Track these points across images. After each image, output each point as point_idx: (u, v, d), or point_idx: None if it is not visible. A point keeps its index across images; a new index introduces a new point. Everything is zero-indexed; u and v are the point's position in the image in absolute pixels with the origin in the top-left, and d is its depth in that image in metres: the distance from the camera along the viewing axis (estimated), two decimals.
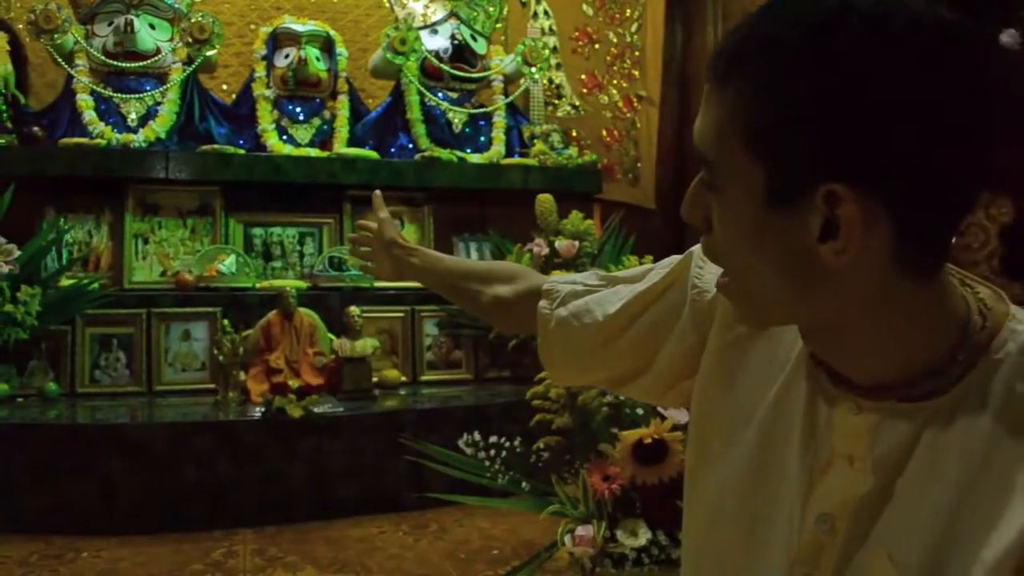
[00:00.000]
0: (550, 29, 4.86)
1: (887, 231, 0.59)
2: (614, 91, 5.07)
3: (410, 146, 4.27)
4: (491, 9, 4.49)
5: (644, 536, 1.83)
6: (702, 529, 0.82)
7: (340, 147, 4.09)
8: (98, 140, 3.69)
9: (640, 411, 1.99)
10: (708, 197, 0.67)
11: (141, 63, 3.88)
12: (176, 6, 4.00)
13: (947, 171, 0.58)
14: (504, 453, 2.06)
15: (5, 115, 3.72)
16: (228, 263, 3.78)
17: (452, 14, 4.38)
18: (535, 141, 4.40)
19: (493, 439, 2.07)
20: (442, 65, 4.27)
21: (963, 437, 0.63)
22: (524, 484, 2.06)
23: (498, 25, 4.60)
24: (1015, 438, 0.61)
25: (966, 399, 0.64)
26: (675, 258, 0.90)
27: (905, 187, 0.58)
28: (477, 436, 2.07)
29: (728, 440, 0.80)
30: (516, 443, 2.09)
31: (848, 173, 0.58)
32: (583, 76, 4.99)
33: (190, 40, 3.90)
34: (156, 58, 3.90)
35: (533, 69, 4.39)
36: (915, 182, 0.58)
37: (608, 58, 5.08)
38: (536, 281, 1.03)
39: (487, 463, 2.06)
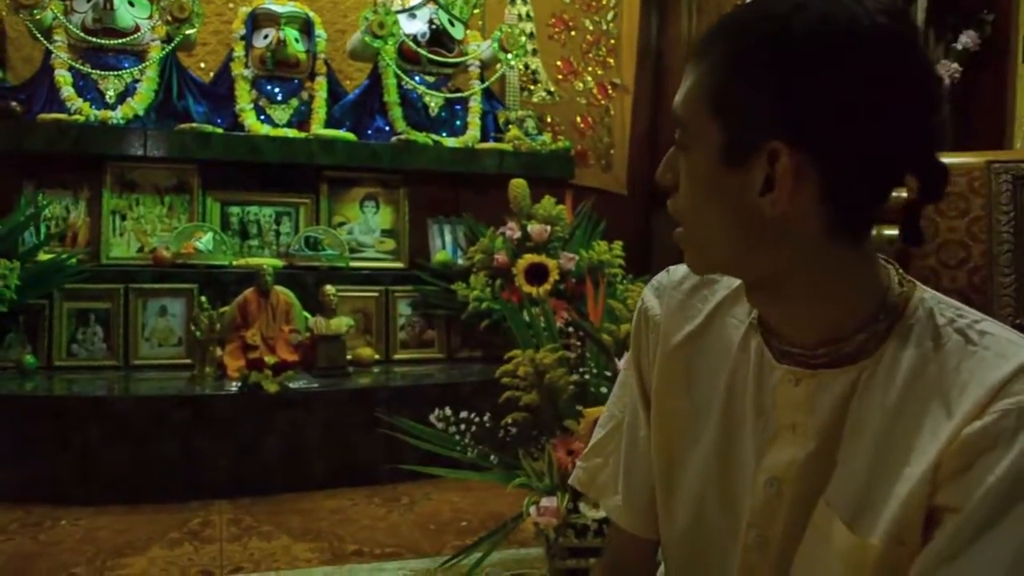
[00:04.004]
0: (527, 15, 4.91)
1: (815, 188, 0.70)
2: (589, 78, 5.14)
3: (386, 128, 4.32)
4: None
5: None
6: (682, 525, 0.88)
7: (317, 128, 4.13)
8: (76, 116, 3.71)
9: (604, 389, 2.08)
10: (679, 160, 0.78)
11: (120, 40, 3.88)
12: None
13: (866, 142, 0.69)
14: (474, 428, 2.14)
15: None
16: (205, 241, 3.82)
17: None
18: (510, 126, 4.47)
19: (463, 415, 2.15)
20: (419, 49, 4.31)
21: (883, 394, 0.73)
22: (492, 458, 2.13)
23: (475, 10, 4.64)
24: (922, 391, 0.71)
25: (886, 361, 0.73)
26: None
27: (831, 150, 0.69)
28: (448, 411, 2.16)
29: (694, 438, 0.87)
30: (485, 419, 2.17)
31: (787, 133, 0.69)
32: (559, 63, 5.06)
33: (169, 18, 3.91)
34: (135, 35, 3.91)
35: (509, 55, 4.44)
36: (840, 147, 0.69)
37: (584, 45, 5.14)
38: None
39: (457, 437, 2.14)
